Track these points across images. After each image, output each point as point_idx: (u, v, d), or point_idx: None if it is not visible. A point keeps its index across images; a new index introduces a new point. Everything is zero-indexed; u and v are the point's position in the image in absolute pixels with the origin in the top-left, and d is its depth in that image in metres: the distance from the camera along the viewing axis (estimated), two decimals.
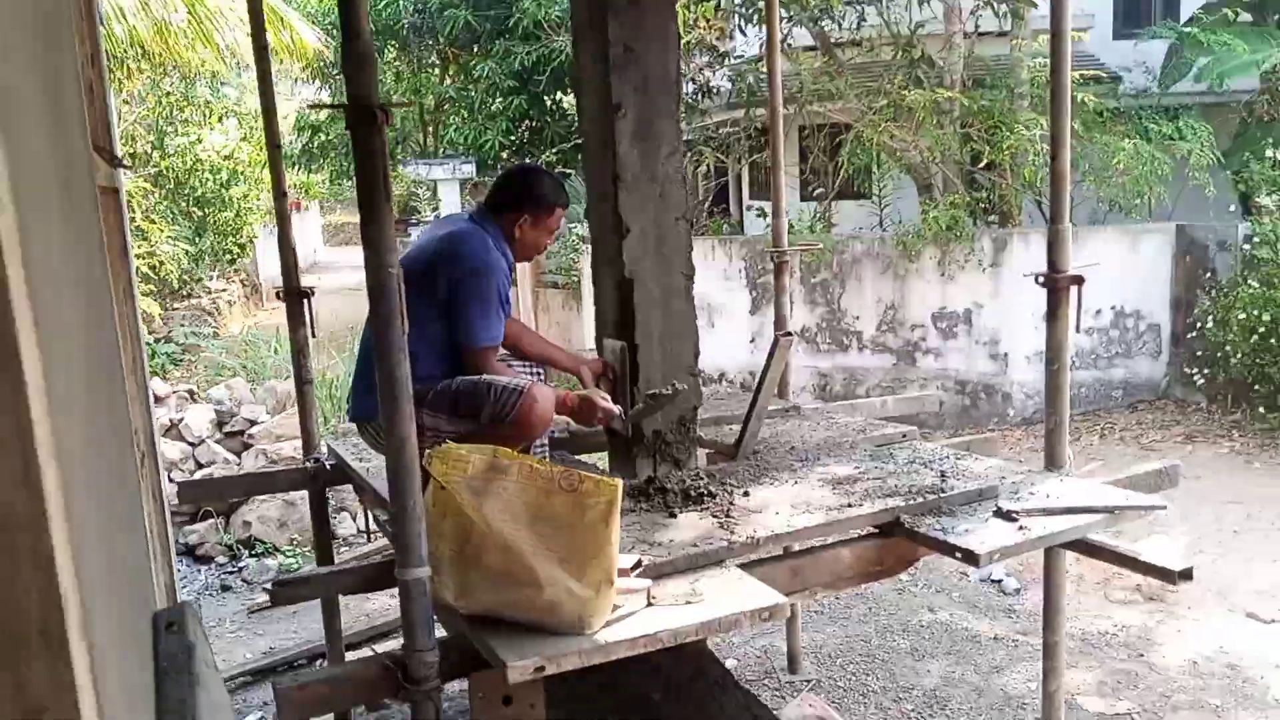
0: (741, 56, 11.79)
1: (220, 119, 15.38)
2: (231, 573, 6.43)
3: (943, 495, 2.92)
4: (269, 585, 6.12)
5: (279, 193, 3.92)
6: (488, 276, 3.06)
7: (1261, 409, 8.35)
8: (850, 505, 2.85)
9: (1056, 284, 3.13)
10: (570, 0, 3.62)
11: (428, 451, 2.26)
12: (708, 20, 10.90)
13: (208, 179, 14.87)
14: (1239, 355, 8.43)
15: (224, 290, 17.05)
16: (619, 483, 2.16)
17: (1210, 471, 7.45)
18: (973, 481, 3.06)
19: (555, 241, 14.67)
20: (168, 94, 14.20)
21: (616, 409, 3.23)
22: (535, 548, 2.18)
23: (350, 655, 4.43)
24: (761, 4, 9.58)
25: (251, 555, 6.56)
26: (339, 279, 22.61)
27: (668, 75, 3.36)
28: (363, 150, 2.04)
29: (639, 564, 2.42)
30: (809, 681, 4.62)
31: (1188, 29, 11.21)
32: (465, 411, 2.99)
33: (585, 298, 12.51)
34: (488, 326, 3.07)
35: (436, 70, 18.02)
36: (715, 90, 12.07)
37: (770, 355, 3.60)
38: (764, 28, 9.98)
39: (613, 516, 2.15)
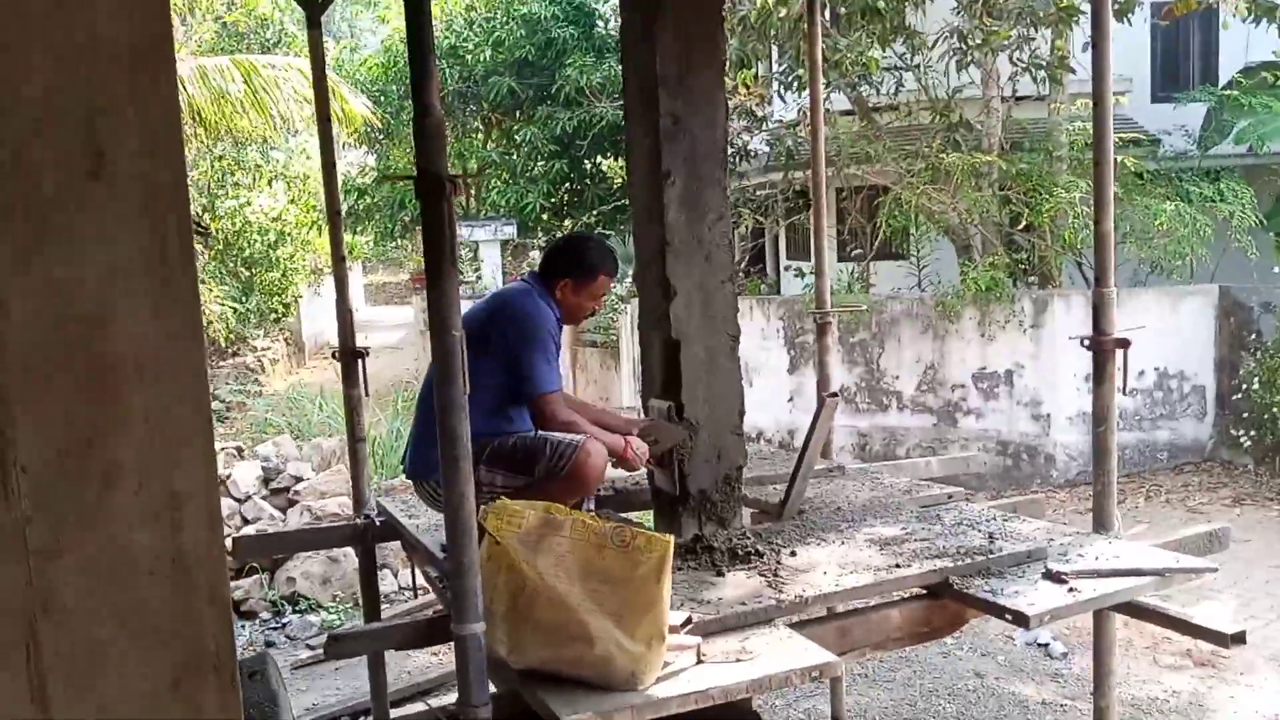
0: (780, 121, 11.98)
1: (269, 182, 15.82)
2: (275, 628, 6.49)
3: (991, 557, 2.93)
4: (313, 640, 6.18)
5: (337, 257, 4.06)
6: (540, 324, 3.18)
7: None
8: (898, 566, 2.86)
9: (1102, 347, 3.16)
10: (622, 73, 3.75)
11: (483, 507, 2.32)
12: (748, 87, 11.11)
13: (256, 240, 15.26)
14: None
15: (268, 349, 17.37)
16: (670, 539, 2.21)
17: (1259, 534, 7.32)
18: (1021, 543, 3.06)
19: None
20: (220, 158, 14.66)
21: (646, 451, 3.27)
22: (587, 603, 2.22)
23: (395, 712, 4.44)
24: (801, 72, 9.77)
25: (295, 611, 6.62)
26: (380, 337, 22.95)
27: (715, 145, 3.46)
28: (431, 218, 2.13)
29: (689, 621, 2.44)
30: None
31: (1226, 93, 11.24)
32: (522, 466, 3.08)
33: (623, 356, 12.61)
34: (551, 371, 3.16)
35: (480, 135, 18.44)
36: (753, 153, 12.25)
37: (816, 416, 3.63)
38: (802, 94, 10.17)
39: (664, 573, 2.19)
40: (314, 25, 4.02)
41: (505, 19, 16.10)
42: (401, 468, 3.51)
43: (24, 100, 0.87)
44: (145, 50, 0.89)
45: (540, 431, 3.12)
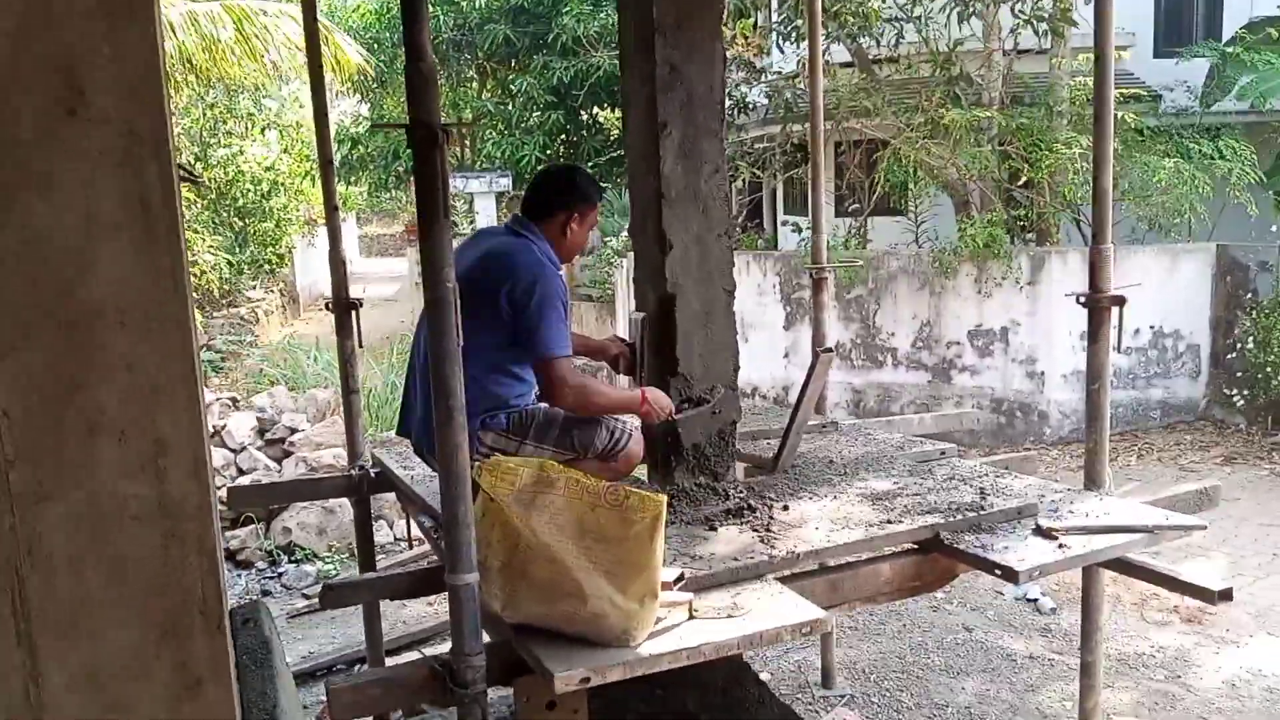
0: (779, 72, 11.84)
1: (262, 131, 15.66)
2: (271, 578, 6.53)
3: (982, 513, 2.94)
4: (309, 590, 6.22)
5: (330, 207, 4.01)
6: (552, 285, 3.01)
7: None
8: (890, 521, 2.88)
9: (1098, 304, 3.15)
10: (619, 21, 3.68)
11: (476, 463, 2.32)
12: (746, 37, 10.96)
13: (249, 190, 15.14)
14: (1279, 377, 8.34)
15: (262, 300, 17.31)
16: (663, 499, 2.21)
17: (1249, 494, 7.37)
18: (1012, 499, 3.07)
19: (590, 254, 14.58)
20: (212, 106, 14.49)
21: (670, 405, 3.24)
22: (581, 561, 2.22)
23: (390, 660, 4.49)
24: (800, 23, 9.63)
25: (291, 561, 6.67)
26: (375, 289, 22.85)
27: (712, 95, 3.42)
28: (424, 169, 2.10)
29: (681, 578, 2.46)
30: (843, 696, 4.63)
31: (1230, 48, 11.12)
32: (578, 443, 3.03)
33: (619, 311, 12.59)
34: (563, 334, 3.00)
35: (474, 84, 18.22)
36: (751, 105, 12.12)
37: (810, 370, 3.63)
38: (801, 45, 10.04)
39: (657, 532, 2.20)
40: None
41: None
42: (401, 433, 3.40)
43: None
44: None
45: (591, 407, 3.04)
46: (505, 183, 16.19)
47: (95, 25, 0.88)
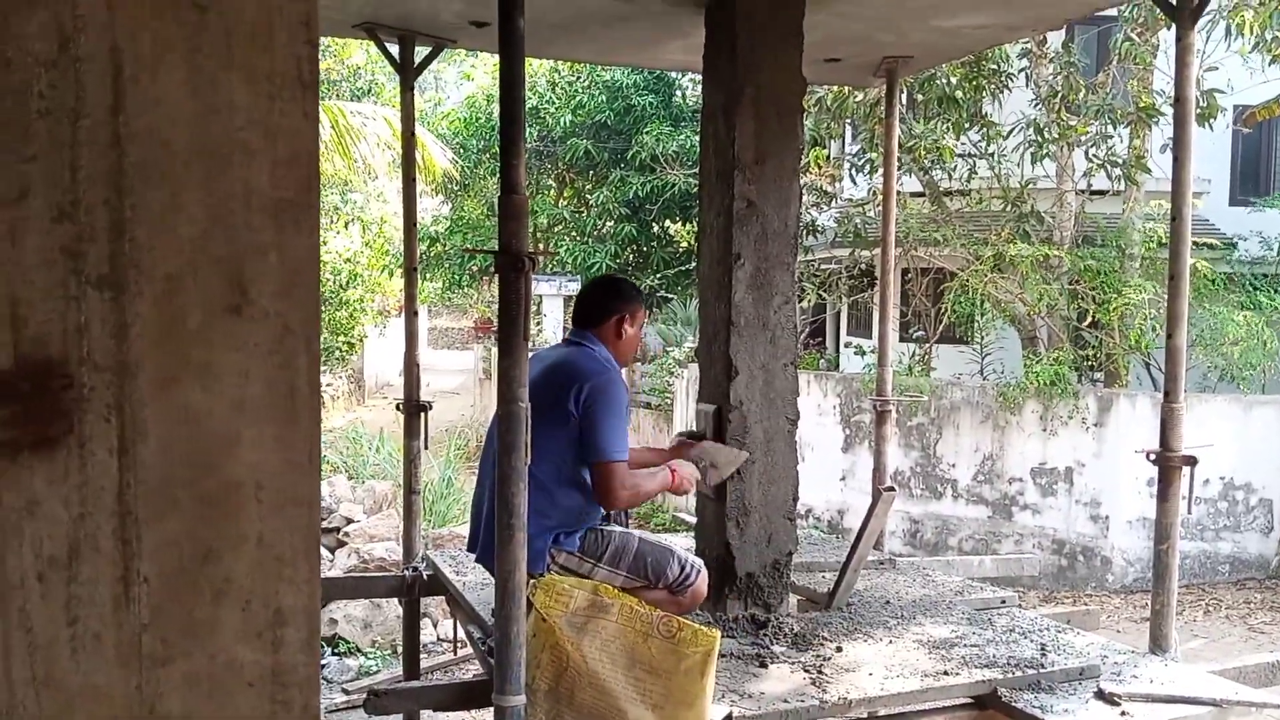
0: (849, 199, 12.04)
1: (346, 225, 16.25)
2: None
3: (1042, 670, 2.86)
4: (349, 685, 6.19)
5: (410, 311, 4.16)
6: (616, 386, 3.06)
7: None
8: (946, 672, 2.81)
9: (1169, 463, 3.10)
10: (700, 150, 3.82)
11: (531, 581, 2.34)
12: (820, 166, 11.20)
13: (328, 280, 15.63)
14: None
15: (330, 385, 17.70)
16: (717, 635, 2.20)
17: None
18: (1074, 658, 2.99)
19: (651, 362, 14.61)
20: None
21: (695, 473, 3.23)
22: (629, 691, 2.22)
23: None
24: (873, 155, 9.83)
25: (334, 653, 6.65)
26: (440, 381, 23.23)
27: (786, 230, 3.51)
28: (508, 292, 2.19)
29: (729, 717, 2.42)
30: None
31: None
32: (651, 572, 3.02)
33: (676, 420, 12.61)
34: (623, 437, 3.02)
35: (552, 191, 18.79)
36: (821, 229, 12.31)
37: (871, 508, 3.61)
38: (874, 176, 10.23)
39: (709, 668, 2.19)
40: (407, 88, 4.17)
41: (587, 84, 16.49)
42: (472, 547, 3.30)
43: (182, 239, 0.94)
44: (292, 201, 0.96)
45: (664, 542, 3.11)
46: (574, 287, 16.53)
47: (265, 235, 0.97)
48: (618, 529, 3.11)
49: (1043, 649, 3.06)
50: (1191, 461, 3.10)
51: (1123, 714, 2.66)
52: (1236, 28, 8.30)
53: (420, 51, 4.21)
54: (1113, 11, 8.97)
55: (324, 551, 7.36)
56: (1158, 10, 3.68)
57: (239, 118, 0.97)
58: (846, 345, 14.70)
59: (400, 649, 4.63)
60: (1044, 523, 9.23)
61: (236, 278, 0.94)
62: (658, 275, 15.52)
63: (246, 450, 0.90)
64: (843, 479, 10.11)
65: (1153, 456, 3.14)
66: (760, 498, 3.46)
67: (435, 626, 6.96)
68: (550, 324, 16.53)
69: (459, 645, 5.86)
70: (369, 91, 15.81)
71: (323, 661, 6.57)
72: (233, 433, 0.90)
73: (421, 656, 6.41)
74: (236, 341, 0.94)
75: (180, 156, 0.95)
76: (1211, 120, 8.74)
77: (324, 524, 7.61)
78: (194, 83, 0.95)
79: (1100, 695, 2.76)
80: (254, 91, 0.96)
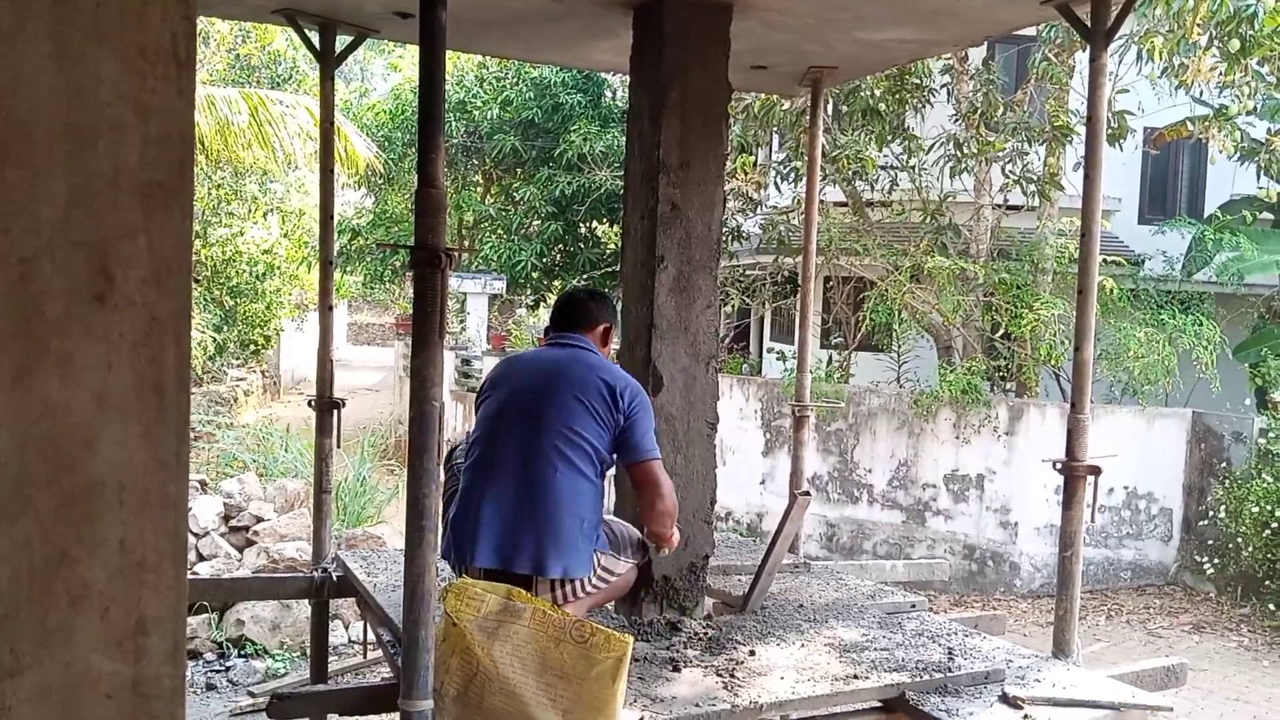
0: (775, 206, 12.16)
1: (264, 215, 15.84)
2: (219, 671, 6.33)
3: (949, 674, 2.91)
4: (255, 688, 6.03)
5: (325, 306, 4.05)
6: (643, 390, 3.13)
7: (1272, 605, 8.23)
8: (856, 676, 2.84)
9: (1074, 472, 3.18)
10: (625, 152, 3.81)
11: (442, 585, 2.30)
12: (746, 173, 11.29)
13: (244, 270, 15.23)
14: (1250, 548, 8.36)
15: (243, 380, 17.24)
16: (630, 640, 2.19)
17: (1217, 665, 7.30)
18: (980, 662, 3.05)
19: None
20: (218, 186, 14.69)
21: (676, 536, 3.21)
22: (539, 697, 2.18)
23: None
24: (799, 164, 9.94)
25: (240, 655, 6.46)
26: (358, 378, 22.83)
27: (710, 234, 3.52)
28: (423, 288, 2.14)
29: None
30: None
31: (1207, 226, 11.51)
32: (634, 545, 3.11)
33: None
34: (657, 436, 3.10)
35: (479, 188, 18.61)
36: (745, 235, 12.40)
37: (786, 512, 3.63)
38: (798, 185, 10.35)
39: (620, 673, 2.17)
40: (327, 77, 4.07)
41: (515, 80, 16.36)
42: (467, 565, 2.92)
43: (40, 220, 0.88)
44: (164, 184, 0.91)
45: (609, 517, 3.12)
46: (499, 285, 16.39)
47: (134, 218, 0.91)
48: (616, 518, 3.19)
49: (950, 653, 3.11)
50: (1096, 471, 3.18)
51: (1025, 717, 2.72)
52: (1147, 53, 8.60)
53: (342, 40, 4.11)
54: (1031, 31, 9.22)
55: (232, 550, 7.15)
56: (1074, 32, 3.78)
57: (107, 92, 0.92)
58: (769, 350, 14.85)
59: (310, 655, 4.52)
60: (956, 528, 9.44)
61: (101, 263, 0.88)
62: (584, 276, 15.47)
63: (109, 448, 0.85)
64: (763, 482, 10.21)
65: (1059, 465, 3.22)
66: (678, 500, 3.46)
67: (347, 628, 6.82)
68: (474, 322, 16.35)
69: (369, 648, 5.74)
70: (289, 79, 15.43)
71: (228, 662, 6.39)
72: (94, 428, 0.85)
73: (331, 659, 6.27)
74: (100, 331, 0.88)
75: (41, 132, 0.89)
76: (1122, 140, 9.04)
77: (233, 522, 7.40)
78: (59, 56, 0.90)
79: (1004, 699, 2.82)
80: (125, 68, 0.91)
